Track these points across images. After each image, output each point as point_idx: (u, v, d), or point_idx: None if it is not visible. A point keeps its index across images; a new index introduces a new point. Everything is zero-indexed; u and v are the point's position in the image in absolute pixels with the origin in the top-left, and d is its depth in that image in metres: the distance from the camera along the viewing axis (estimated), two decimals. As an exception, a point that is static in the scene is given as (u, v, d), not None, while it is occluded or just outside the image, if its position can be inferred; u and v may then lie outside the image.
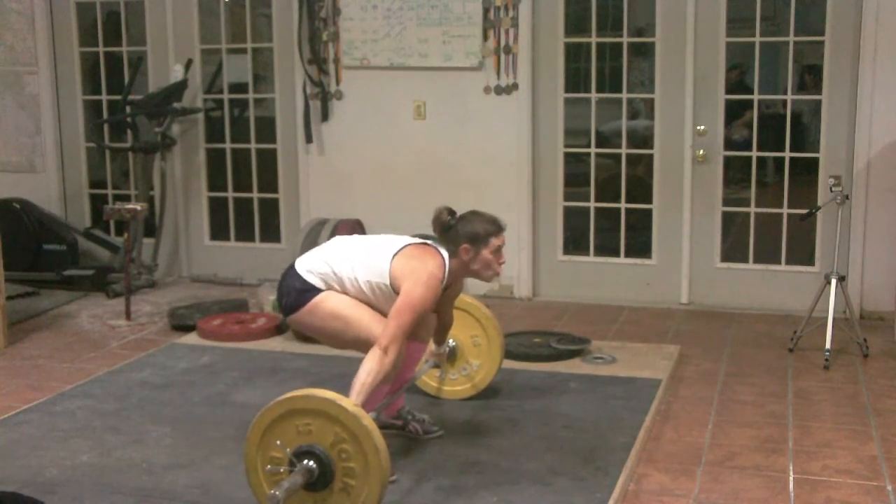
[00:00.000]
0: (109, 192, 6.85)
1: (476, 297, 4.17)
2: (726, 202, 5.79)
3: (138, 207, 5.74)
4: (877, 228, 5.49)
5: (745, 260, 5.81)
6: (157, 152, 6.39)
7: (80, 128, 6.83)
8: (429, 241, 3.49)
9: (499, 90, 5.90)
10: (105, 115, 6.74)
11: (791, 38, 5.59)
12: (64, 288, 6.29)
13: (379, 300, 3.40)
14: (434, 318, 3.66)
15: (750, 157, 5.76)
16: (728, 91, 5.69)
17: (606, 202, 6.00)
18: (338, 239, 3.66)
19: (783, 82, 5.74)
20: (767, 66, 5.74)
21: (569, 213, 6.04)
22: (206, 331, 5.12)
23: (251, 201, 6.62)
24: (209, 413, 4.05)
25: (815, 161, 5.61)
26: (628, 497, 3.30)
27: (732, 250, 5.84)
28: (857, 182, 5.45)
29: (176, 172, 6.63)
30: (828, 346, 4.66)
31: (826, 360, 4.66)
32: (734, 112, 5.75)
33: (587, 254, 6.06)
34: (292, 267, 3.52)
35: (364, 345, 3.28)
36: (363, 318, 3.38)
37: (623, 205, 5.95)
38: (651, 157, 5.86)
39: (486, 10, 5.83)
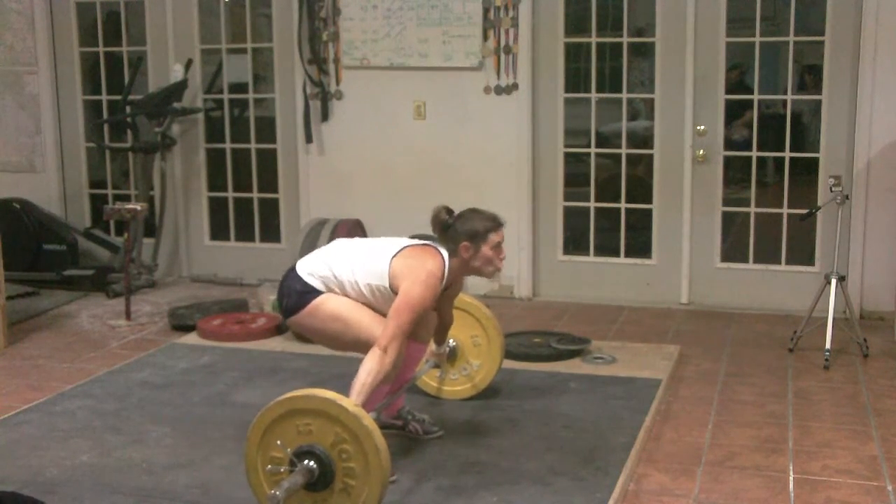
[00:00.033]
0: (109, 192, 6.85)
1: (476, 297, 4.17)
2: (726, 202, 5.78)
3: (138, 207, 5.74)
4: (877, 228, 5.49)
5: (745, 260, 5.81)
6: (157, 152, 6.38)
7: (80, 128, 6.83)
8: (429, 242, 3.49)
9: (499, 90, 5.90)
10: (105, 115, 6.73)
11: (791, 38, 5.59)
12: (64, 288, 6.29)
13: (379, 302, 3.40)
14: (434, 318, 3.66)
15: (750, 157, 5.76)
16: (728, 91, 5.69)
17: (606, 202, 6.00)
18: (339, 241, 3.67)
19: (783, 82, 5.74)
20: (767, 66, 5.74)
21: (569, 213, 6.04)
22: (206, 331, 5.13)
23: (251, 201, 6.62)
24: (209, 413, 4.05)
25: (815, 161, 5.61)
26: (628, 497, 3.30)
27: (732, 250, 5.84)
28: (857, 182, 5.45)
29: (176, 172, 6.63)
30: (828, 346, 4.66)
31: (826, 360, 4.66)
32: (734, 112, 5.75)
33: (587, 254, 6.06)
34: (293, 269, 3.52)
35: (364, 346, 3.27)
36: (363, 320, 3.38)
37: (623, 205, 5.95)
38: (651, 157, 5.86)
39: (486, 10, 5.83)
